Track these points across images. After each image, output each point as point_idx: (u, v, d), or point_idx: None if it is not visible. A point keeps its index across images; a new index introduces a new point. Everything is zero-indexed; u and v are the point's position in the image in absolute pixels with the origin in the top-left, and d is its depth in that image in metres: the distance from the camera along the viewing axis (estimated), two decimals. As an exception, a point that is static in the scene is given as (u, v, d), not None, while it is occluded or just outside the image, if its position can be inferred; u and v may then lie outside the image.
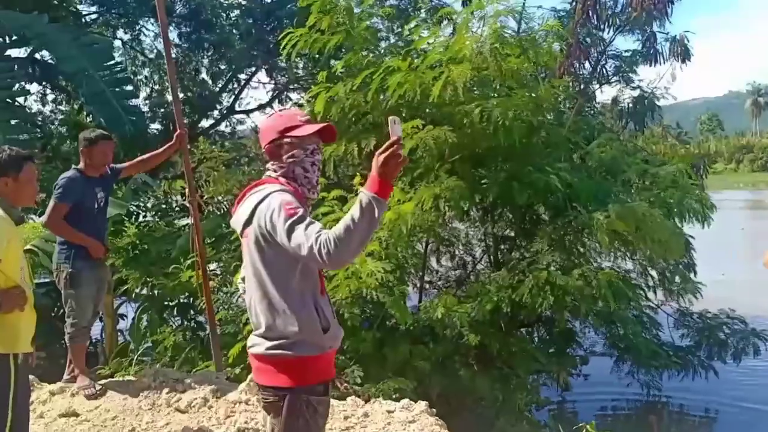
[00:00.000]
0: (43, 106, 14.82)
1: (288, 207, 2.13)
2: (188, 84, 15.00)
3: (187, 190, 5.22)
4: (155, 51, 15.46)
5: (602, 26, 9.02)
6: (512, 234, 7.22)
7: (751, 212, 32.10)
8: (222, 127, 16.48)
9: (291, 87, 15.68)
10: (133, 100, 10.05)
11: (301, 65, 14.59)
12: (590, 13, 8.56)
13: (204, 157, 8.50)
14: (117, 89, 9.29)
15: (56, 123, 14.30)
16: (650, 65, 9.09)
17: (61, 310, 4.59)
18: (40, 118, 14.01)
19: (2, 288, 2.88)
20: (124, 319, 8.77)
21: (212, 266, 6.91)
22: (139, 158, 5.00)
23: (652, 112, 9.52)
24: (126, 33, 15.04)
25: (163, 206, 9.54)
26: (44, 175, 7.36)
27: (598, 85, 9.57)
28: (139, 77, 15.87)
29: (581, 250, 6.18)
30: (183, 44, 14.53)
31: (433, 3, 10.92)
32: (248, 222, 2.26)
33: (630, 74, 9.48)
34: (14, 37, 10.22)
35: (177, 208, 9.54)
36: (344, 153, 6.41)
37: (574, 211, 5.87)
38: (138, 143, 9.12)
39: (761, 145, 72.58)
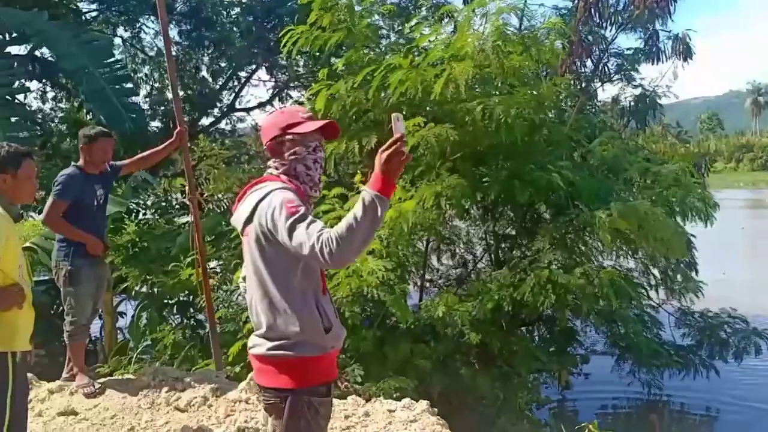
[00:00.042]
0: (43, 103, 14.78)
1: (289, 205, 2.10)
2: (188, 82, 14.96)
3: (187, 187, 5.19)
4: (155, 49, 15.43)
5: (604, 24, 8.99)
6: (513, 232, 7.20)
7: (751, 211, 32.09)
8: (222, 125, 16.46)
9: (291, 85, 15.64)
10: (133, 97, 10.03)
11: (301, 63, 14.56)
12: (592, 10, 8.53)
13: (204, 155, 8.48)
14: (117, 86, 9.26)
15: (56, 121, 14.25)
16: (652, 63, 9.06)
17: (61, 308, 4.57)
18: (40, 116, 13.96)
19: (0, 286, 2.86)
20: (123, 317, 8.74)
21: (212, 264, 6.88)
22: (139, 155, 4.98)
23: (654, 111, 9.48)
24: (126, 31, 15.00)
25: (163, 204, 9.51)
26: (44, 172, 7.36)
27: (599, 83, 9.54)
28: (139, 75, 15.82)
29: (583, 248, 6.15)
30: (183, 42, 14.49)
31: (435, 1, 10.87)
32: (249, 220, 2.23)
33: (632, 72, 9.45)
34: (14, 35, 10.19)
35: (177, 206, 9.52)
36: (345, 151, 6.38)
37: (576, 209, 5.84)
38: (138, 141, 9.10)
39: (761, 144, 72.60)
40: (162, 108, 14.57)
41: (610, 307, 5.92)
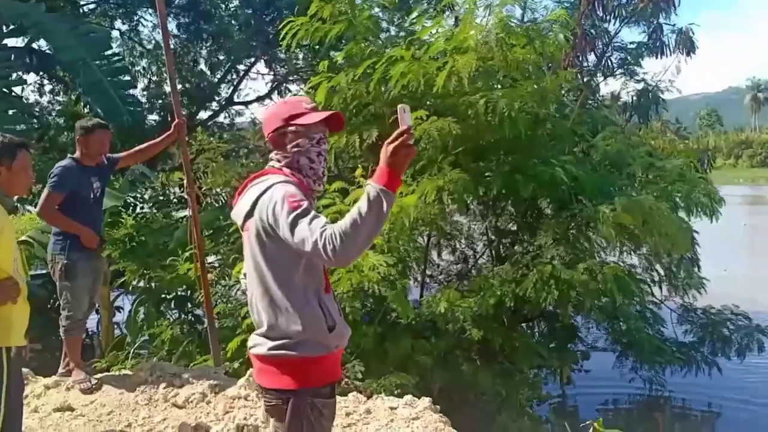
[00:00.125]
0: (41, 96, 14.68)
1: (291, 199, 2.01)
2: (186, 75, 14.84)
3: (185, 181, 5.12)
4: (153, 42, 15.30)
5: (608, 17, 8.91)
6: (514, 228, 7.14)
7: (750, 208, 32.11)
8: (220, 118, 16.36)
9: (290, 78, 15.53)
10: (131, 90, 9.96)
11: (300, 56, 14.46)
12: (596, 3, 8.45)
13: (202, 148, 8.41)
14: (114, 79, 9.19)
15: (53, 114, 14.16)
16: (656, 57, 8.99)
17: (57, 302, 4.50)
18: (37, 109, 13.87)
19: (-5, 280, 2.79)
20: (120, 312, 8.70)
21: (210, 259, 6.82)
22: (137, 148, 4.89)
23: (656, 106, 9.42)
24: (124, 24, 14.89)
25: (161, 198, 9.46)
26: (41, 165, 7.29)
27: (602, 78, 9.47)
28: (136, 68, 15.71)
29: (586, 245, 6.10)
30: (181, 35, 14.37)
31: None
32: (249, 214, 2.14)
33: (634, 67, 9.38)
34: (11, 26, 10.09)
35: (175, 200, 9.46)
36: (346, 144, 6.32)
37: (579, 204, 5.78)
38: (136, 134, 9.02)
39: (760, 140, 72.64)
40: (160, 101, 14.47)
41: (613, 304, 5.88)
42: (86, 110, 10.92)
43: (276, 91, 15.81)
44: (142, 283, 7.13)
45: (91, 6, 14.38)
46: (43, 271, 6.86)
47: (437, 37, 6.39)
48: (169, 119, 8.81)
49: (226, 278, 6.46)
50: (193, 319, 6.92)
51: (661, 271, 7.13)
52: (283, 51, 14.15)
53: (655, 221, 5.34)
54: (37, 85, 14.31)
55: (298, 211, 1.98)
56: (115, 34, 14.55)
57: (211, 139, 9.39)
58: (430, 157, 5.87)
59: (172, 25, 13.72)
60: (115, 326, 8.30)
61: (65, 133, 11.93)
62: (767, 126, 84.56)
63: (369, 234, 1.90)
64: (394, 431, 3.59)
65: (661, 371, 7.09)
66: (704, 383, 7.40)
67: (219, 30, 13.89)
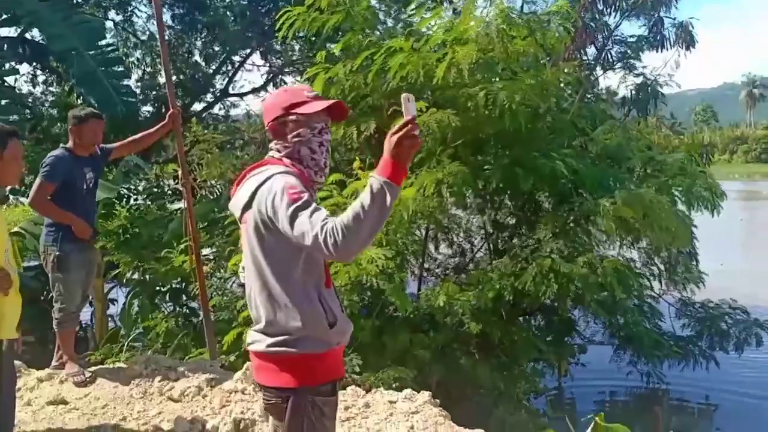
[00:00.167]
0: (34, 87, 14.54)
1: (291, 191, 1.94)
2: (181, 66, 14.70)
3: (180, 172, 5.04)
4: (147, 33, 15.19)
5: (608, 11, 8.85)
6: (513, 221, 7.10)
7: (745, 203, 32.19)
8: (215, 110, 16.25)
9: (286, 70, 15.43)
10: (125, 81, 9.87)
11: (296, 48, 14.36)
12: (597, -4, 8.40)
13: (197, 139, 8.31)
14: (108, 69, 9.11)
15: (47, 104, 14.04)
16: (657, 51, 8.94)
17: (50, 294, 4.44)
18: (30, 100, 13.74)
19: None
20: (114, 304, 8.63)
21: (205, 251, 6.76)
22: (131, 138, 4.81)
23: (655, 100, 9.37)
24: (118, 14, 14.75)
25: (155, 190, 9.37)
26: (33, 156, 7.20)
27: (601, 71, 9.42)
28: (130, 59, 15.57)
29: (585, 238, 6.06)
30: (176, 26, 14.26)
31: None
32: (248, 206, 2.06)
33: (634, 61, 9.32)
34: (5, 16, 9.98)
35: (169, 192, 9.38)
36: (343, 137, 6.25)
37: (579, 197, 5.73)
38: (130, 125, 8.93)
39: (755, 136, 72.84)
40: (154, 93, 14.36)
41: (612, 298, 5.84)
42: (80, 101, 10.80)
43: (271, 83, 15.72)
44: (136, 276, 7.07)
45: (85, -4, 14.23)
46: (36, 263, 6.79)
47: (436, 28, 6.32)
48: (164, 110, 8.75)
49: (222, 271, 6.41)
50: (188, 311, 6.88)
51: (661, 266, 7.10)
52: (279, 42, 14.05)
53: (656, 215, 5.30)
54: (30, 76, 14.20)
55: (299, 203, 1.91)
56: (108, 24, 14.42)
57: (205, 131, 9.27)
58: (429, 149, 5.81)
59: (166, 16, 13.59)
60: (109, 319, 8.24)
61: (58, 123, 11.83)
62: (762, 122, 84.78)
63: (372, 228, 1.83)
64: (393, 425, 3.54)
65: (659, 365, 7.07)
66: (702, 377, 7.40)
67: (214, 21, 13.78)
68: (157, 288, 6.93)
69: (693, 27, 8.81)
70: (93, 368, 4.52)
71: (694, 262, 7.35)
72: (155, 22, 4.82)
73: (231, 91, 16.11)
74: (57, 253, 4.18)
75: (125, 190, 8.29)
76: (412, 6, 6.97)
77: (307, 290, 2.05)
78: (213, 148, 8.24)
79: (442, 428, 3.55)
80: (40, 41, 11.23)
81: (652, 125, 11.29)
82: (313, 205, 1.93)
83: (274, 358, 2.06)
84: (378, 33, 7.03)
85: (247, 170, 2.18)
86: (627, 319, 6.72)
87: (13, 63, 10.88)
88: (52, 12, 9.09)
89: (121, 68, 9.78)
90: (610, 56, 9.25)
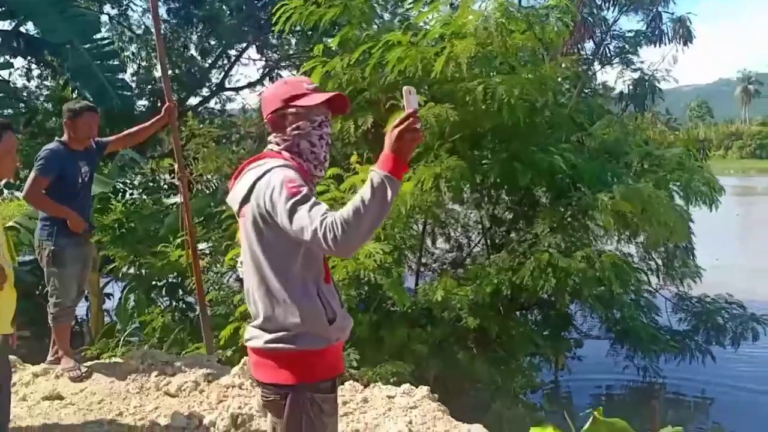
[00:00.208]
0: (28, 81, 14.45)
1: (290, 185, 1.90)
2: (176, 60, 14.63)
3: (176, 166, 5.01)
4: (143, 27, 15.09)
5: (606, 5, 8.81)
6: (510, 216, 7.08)
7: (741, 198, 32.27)
8: (211, 104, 16.20)
9: (282, 64, 15.36)
10: (120, 74, 9.81)
11: (293, 42, 14.29)
12: (594, -9, 8.36)
13: (192, 134, 8.26)
14: (104, 63, 9.06)
15: (41, 98, 13.94)
16: (655, 46, 8.90)
17: (45, 289, 4.41)
18: (24, 94, 13.66)
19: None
20: (110, 299, 8.60)
21: (202, 246, 6.73)
22: (126, 132, 4.77)
23: (652, 95, 9.36)
24: (113, 8, 14.64)
25: (151, 184, 9.33)
26: (27, 150, 7.16)
27: (599, 66, 9.40)
28: (126, 53, 15.48)
29: (583, 233, 6.05)
30: (171, 20, 14.16)
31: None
32: (246, 200, 2.03)
33: (631, 56, 9.30)
34: (-1, 9, 9.89)
35: (165, 186, 9.34)
36: (340, 131, 6.21)
37: (577, 192, 5.72)
38: (125, 119, 8.89)
39: (750, 132, 73.02)
40: (149, 87, 14.26)
41: (609, 292, 5.84)
42: (74, 95, 10.73)
43: (267, 77, 15.65)
44: (132, 270, 7.03)
45: (80, -11, 14.12)
46: (31, 258, 6.76)
47: (434, 22, 6.28)
48: (159, 104, 8.70)
49: (218, 265, 6.38)
50: (184, 306, 6.84)
51: (659, 260, 7.10)
52: (275, 36, 13.99)
53: (654, 209, 5.30)
54: (24, 69, 14.10)
55: (298, 197, 1.88)
56: (104, 18, 14.32)
57: (201, 125, 9.22)
58: (427, 144, 5.78)
59: (162, 10, 13.51)
60: (105, 313, 8.21)
61: (53, 117, 11.76)
62: (757, 118, 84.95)
63: (372, 223, 1.80)
64: (392, 420, 3.52)
65: (656, 359, 7.08)
66: (697, 371, 7.42)
67: (210, 15, 13.70)
68: (154, 282, 6.89)
69: (691, 22, 8.80)
70: (89, 363, 4.49)
71: (691, 257, 7.35)
72: (151, 16, 4.77)
73: (227, 86, 16.06)
74: (52, 247, 4.14)
75: (121, 185, 8.25)
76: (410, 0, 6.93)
77: (306, 285, 2.02)
78: (209, 143, 8.21)
79: (441, 423, 3.53)
80: (35, 35, 11.15)
81: (647, 121, 11.29)
82: (313, 199, 1.90)
83: (273, 355, 2.03)
84: (375, 27, 6.99)
85: (246, 163, 2.15)
86: (624, 313, 6.73)
87: (7, 56, 10.79)
88: (46, 5, 9.00)
89: (116, 62, 9.72)
90: (608, 51, 9.22)
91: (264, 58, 15.63)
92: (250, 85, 15.95)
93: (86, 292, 6.10)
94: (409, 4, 6.83)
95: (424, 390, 3.82)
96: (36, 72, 14.45)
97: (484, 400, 5.98)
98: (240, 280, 5.48)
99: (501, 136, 6.07)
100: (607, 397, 8.09)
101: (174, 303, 6.90)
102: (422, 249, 7.04)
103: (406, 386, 3.91)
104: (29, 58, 13.44)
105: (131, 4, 14.63)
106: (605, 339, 7.36)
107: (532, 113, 5.94)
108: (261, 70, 15.88)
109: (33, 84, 14.55)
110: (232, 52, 15.40)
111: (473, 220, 7.62)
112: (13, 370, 4.26)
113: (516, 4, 6.59)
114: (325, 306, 2.03)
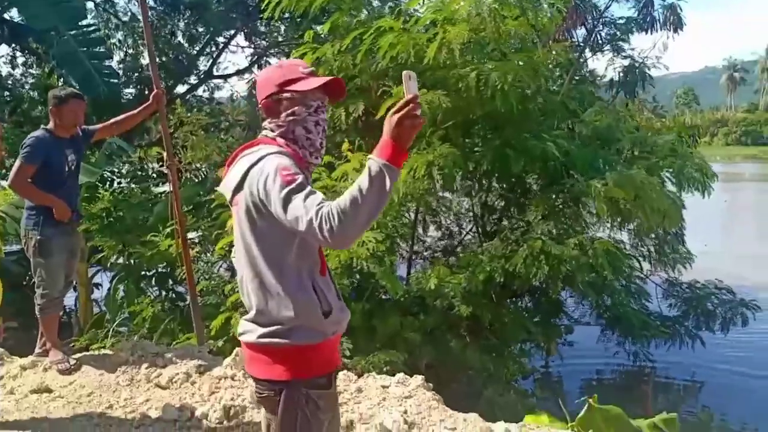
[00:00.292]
0: (13, 69, 14.19)
1: (285, 172, 1.82)
2: (164, 48, 14.43)
3: (164, 155, 4.92)
4: (129, 13, 14.87)
5: (597, -9, 8.77)
6: (502, 204, 7.06)
7: (726, 185, 32.48)
8: (199, 92, 16.02)
9: (271, 52, 15.21)
10: (107, 61, 9.68)
11: (282, 29, 14.14)
12: (585, -23, 8.31)
13: (181, 121, 8.15)
14: (90, 50, 8.92)
15: (27, 86, 13.74)
16: (646, 33, 8.88)
17: (33, 279, 4.33)
18: (9, 82, 13.45)
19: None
20: (99, 289, 8.51)
21: (191, 235, 6.66)
22: (114, 120, 4.68)
23: (643, 82, 9.34)
24: (99, -5, 14.45)
25: (139, 173, 9.22)
26: (13, 139, 7.02)
27: (591, 53, 9.36)
28: (112, 41, 15.26)
29: (576, 220, 6.04)
30: (158, 6, 13.98)
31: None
32: (239, 188, 1.95)
33: (622, 43, 9.28)
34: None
35: (153, 175, 9.23)
36: (331, 118, 6.15)
37: (570, 179, 5.70)
38: (112, 107, 8.76)
39: (735, 119, 73.51)
40: (136, 75, 14.08)
41: (601, 279, 5.84)
42: (60, 82, 10.58)
43: (256, 65, 15.50)
44: (121, 260, 6.96)
45: (64, -25, 13.87)
46: (18, 247, 6.66)
47: (426, 8, 6.21)
48: (147, 92, 8.58)
49: (208, 254, 6.32)
50: (174, 296, 6.78)
51: (651, 247, 7.12)
52: (264, 23, 13.83)
53: (647, 195, 5.29)
54: (9, 57, 13.88)
55: (292, 185, 1.79)
56: (89, 5, 14.09)
57: (189, 113, 9.11)
58: (420, 131, 5.72)
59: (148, -4, 13.31)
60: (94, 303, 8.12)
61: (39, 106, 11.60)
62: (742, 105, 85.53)
63: (370, 213, 1.72)
64: (386, 410, 3.49)
65: (646, 345, 7.13)
66: (686, 355, 7.48)
67: (197, 1, 13.51)
68: (143, 272, 6.82)
69: (681, 9, 8.81)
70: (78, 355, 4.42)
71: (681, 243, 7.38)
72: (137, 3, 4.67)
73: (215, 73, 15.89)
74: (38, 237, 4.06)
75: (108, 173, 8.14)
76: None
77: (300, 278, 1.94)
78: (198, 131, 8.10)
79: (436, 412, 3.51)
80: (20, 21, 10.96)
81: (634, 108, 11.27)
82: (308, 188, 1.82)
83: (266, 350, 1.96)
84: (366, 13, 6.90)
85: (240, 149, 2.06)
86: (614, 299, 6.75)
87: (-9, 44, 10.64)
88: (32, -9, 8.86)
89: (102, 49, 9.59)
90: (599, 38, 9.18)
91: (252, 46, 15.48)
92: (239, 73, 15.80)
93: (74, 282, 6.02)
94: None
95: (418, 379, 3.79)
96: (21, 59, 14.23)
97: (476, 387, 5.98)
98: (231, 269, 5.44)
99: (493, 122, 6.03)
100: (598, 381, 8.14)
101: (164, 293, 6.85)
102: (414, 237, 7.01)
103: (400, 376, 3.88)
104: (14, 45, 13.23)
105: (117, -9, 14.43)
106: (596, 325, 7.39)
107: (524, 100, 5.90)
108: (249, 58, 15.76)
109: (18, 72, 14.33)
110: (220, 39, 15.25)
111: (465, 208, 7.60)
112: (0, 362, 4.20)
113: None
114: (320, 299, 1.96)
